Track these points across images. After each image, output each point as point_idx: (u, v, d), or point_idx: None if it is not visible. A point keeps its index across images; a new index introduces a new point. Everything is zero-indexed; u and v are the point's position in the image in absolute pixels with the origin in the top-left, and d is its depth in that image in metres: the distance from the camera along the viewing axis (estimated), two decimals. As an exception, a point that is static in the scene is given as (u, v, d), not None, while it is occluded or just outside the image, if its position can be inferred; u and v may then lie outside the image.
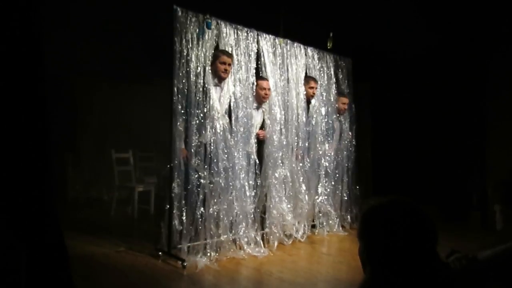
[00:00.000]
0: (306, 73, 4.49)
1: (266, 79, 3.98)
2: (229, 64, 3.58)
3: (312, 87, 4.46)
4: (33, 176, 1.95)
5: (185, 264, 3.20)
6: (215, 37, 3.59)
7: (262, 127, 4.05)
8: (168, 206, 3.35)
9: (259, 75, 3.97)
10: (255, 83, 3.84)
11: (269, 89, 3.95)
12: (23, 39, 1.92)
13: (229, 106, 3.66)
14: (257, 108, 4.01)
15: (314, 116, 4.54)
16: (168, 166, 3.45)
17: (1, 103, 1.87)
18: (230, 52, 3.63)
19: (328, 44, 4.60)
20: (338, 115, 4.95)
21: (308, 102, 4.47)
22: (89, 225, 4.69)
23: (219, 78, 3.59)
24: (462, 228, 4.97)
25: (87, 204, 5.92)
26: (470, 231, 4.93)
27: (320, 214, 4.58)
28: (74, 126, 6.42)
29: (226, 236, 3.53)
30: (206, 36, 3.51)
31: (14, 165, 1.90)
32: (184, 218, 3.33)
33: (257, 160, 3.82)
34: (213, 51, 3.57)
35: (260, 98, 3.96)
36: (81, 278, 2.87)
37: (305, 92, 4.40)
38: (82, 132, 6.57)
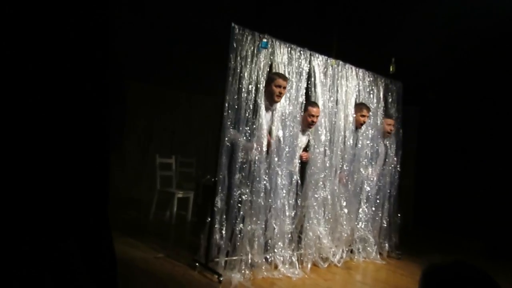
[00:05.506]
0: (356, 96, 4.43)
1: (317, 105, 3.94)
2: (284, 88, 3.56)
3: (364, 115, 4.38)
4: (91, 178, 1.98)
5: (221, 279, 3.23)
6: (269, 56, 3.61)
7: (306, 148, 4.04)
8: (209, 219, 3.38)
9: (310, 98, 3.93)
10: (305, 107, 3.82)
11: (317, 116, 3.91)
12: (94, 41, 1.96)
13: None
14: (303, 131, 3.98)
15: (360, 138, 4.46)
16: (212, 179, 3.49)
17: (68, 106, 1.91)
18: (284, 74, 3.62)
19: (391, 69, 4.54)
20: (384, 138, 4.84)
21: (356, 128, 4.41)
22: (129, 226, 4.84)
23: (272, 101, 3.58)
24: (509, 267, 4.69)
25: (127, 204, 6.10)
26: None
27: (358, 240, 4.48)
28: (121, 128, 6.65)
29: (262, 254, 3.53)
30: (262, 55, 3.53)
31: (76, 167, 1.94)
32: (223, 232, 3.35)
33: (299, 181, 3.80)
34: (267, 71, 3.58)
35: (307, 123, 3.94)
36: (122, 281, 2.95)
37: (354, 117, 4.32)
38: (128, 134, 6.79)
